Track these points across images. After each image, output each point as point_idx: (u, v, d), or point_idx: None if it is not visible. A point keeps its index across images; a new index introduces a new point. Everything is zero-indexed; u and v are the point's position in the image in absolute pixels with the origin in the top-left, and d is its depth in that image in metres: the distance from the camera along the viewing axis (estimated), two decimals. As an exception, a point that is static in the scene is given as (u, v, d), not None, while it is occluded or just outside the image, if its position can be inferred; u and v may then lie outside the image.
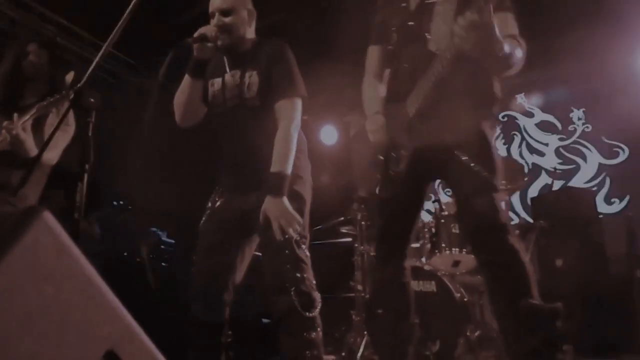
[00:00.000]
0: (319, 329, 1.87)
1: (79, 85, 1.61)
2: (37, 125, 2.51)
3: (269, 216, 1.85)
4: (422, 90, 1.67)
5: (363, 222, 3.43)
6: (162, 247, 4.07)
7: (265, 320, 3.70)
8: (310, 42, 5.17)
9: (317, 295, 1.89)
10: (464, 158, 1.62)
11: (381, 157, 1.84)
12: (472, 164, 1.60)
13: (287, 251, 1.85)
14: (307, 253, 1.95)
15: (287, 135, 1.94)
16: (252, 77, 2.02)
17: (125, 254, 4.02)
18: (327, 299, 4.26)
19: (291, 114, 1.96)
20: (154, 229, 4.23)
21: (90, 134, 1.60)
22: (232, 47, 2.04)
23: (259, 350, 3.60)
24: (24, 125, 2.39)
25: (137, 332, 0.63)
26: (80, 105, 1.61)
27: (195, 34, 1.94)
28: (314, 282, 1.92)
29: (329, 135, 5.94)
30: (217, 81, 2.09)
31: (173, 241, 4.20)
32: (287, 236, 1.84)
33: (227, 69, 2.09)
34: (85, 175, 1.55)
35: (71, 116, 2.54)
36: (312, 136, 6.21)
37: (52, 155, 2.52)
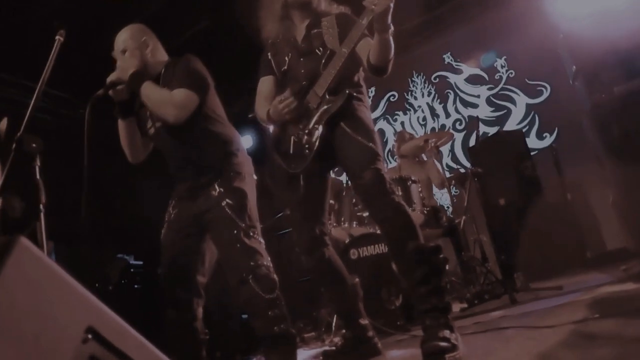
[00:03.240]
0: (282, 305, 2.05)
1: (18, 134, 1.75)
2: None
3: None
4: (330, 74, 1.93)
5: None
6: (132, 270, 4.16)
7: (244, 316, 3.90)
8: (245, 37, 5.36)
9: (274, 277, 2.07)
10: (352, 134, 1.90)
11: (293, 136, 2.04)
12: (357, 137, 1.89)
13: (237, 245, 2.03)
14: (260, 240, 2.13)
15: (169, 95, 2.07)
16: None
17: (96, 285, 4.11)
18: (302, 282, 4.51)
19: (182, 94, 2.06)
20: (120, 255, 4.33)
21: (38, 177, 1.76)
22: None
23: (243, 346, 3.80)
24: None
25: (110, 312, 0.84)
26: (23, 152, 1.76)
27: (104, 86, 2.12)
28: (270, 265, 2.10)
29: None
30: (143, 109, 2.26)
31: (141, 262, 4.30)
32: (234, 231, 2.03)
33: None
34: (42, 215, 1.72)
35: None
36: (261, 132, 6.42)
37: None
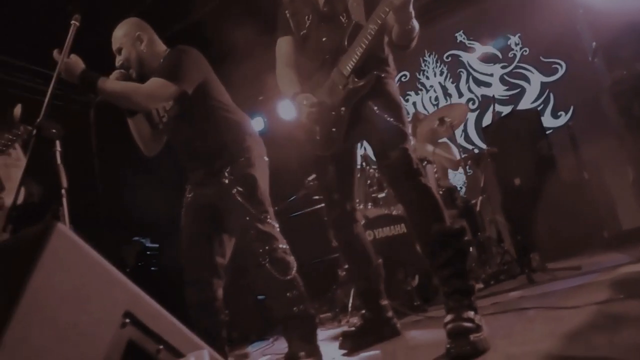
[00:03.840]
0: (300, 286, 2.07)
1: (38, 120, 1.76)
2: None
3: None
4: (355, 52, 1.87)
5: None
6: (148, 252, 4.22)
7: (260, 297, 3.94)
8: (257, 20, 5.31)
9: (291, 259, 2.09)
10: (379, 112, 1.85)
11: (318, 124, 1.99)
12: (384, 115, 1.84)
13: (252, 231, 2.06)
14: (274, 223, 2.14)
15: (127, 83, 2.08)
16: None
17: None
18: (316, 263, 4.54)
19: (152, 83, 2.04)
20: (136, 238, 4.39)
21: (59, 162, 1.77)
22: (143, 74, 2.20)
23: (259, 325, 3.85)
24: None
25: (145, 297, 0.85)
26: (43, 138, 1.76)
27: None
28: (286, 247, 2.12)
29: (286, 111, 6.10)
30: None
31: (157, 245, 4.35)
32: (247, 218, 2.05)
33: None
34: (64, 200, 1.73)
35: (20, 151, 2.50)
36: (272, 113, 6.39)
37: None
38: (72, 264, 0.70)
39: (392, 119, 1.83)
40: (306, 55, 2.08)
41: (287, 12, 2.12)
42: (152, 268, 4.16)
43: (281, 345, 2.97)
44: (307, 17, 2.04)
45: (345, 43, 1.90)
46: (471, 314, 1.56)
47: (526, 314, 1.90)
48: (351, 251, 2.19)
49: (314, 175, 3.93)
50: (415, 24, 1.79)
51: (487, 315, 1.96)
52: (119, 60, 2.22)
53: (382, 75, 1.94)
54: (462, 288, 1.63)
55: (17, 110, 2.85)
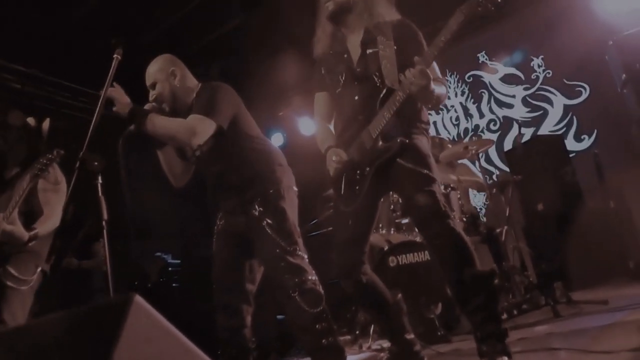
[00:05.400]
0: (329, 319, 2.10)
1: (81, 153, 1.81)
2: (29, 191, 2.46)
3: None
4: (384, 117, 1.90)
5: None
6: (170, 268, 4.28)
7: (280, 317, 3.96)
8: (277, 36, 5.38)
9: (319, 291, 2.12)
10: (407, 164, 1.87)
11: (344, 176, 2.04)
12: (411, 166, 1.86)
13: (282, 263, 2.09)
14: (304, 255, 2.17)
15: (182, 121, 2.13)
16: None
17: (135, 282, 4.23)
18: (334, 284, 4.53)
19: (194, 120, 2.12)
20: (158, 254, 4.44)
21: (100, 195, 1.82)
22: (176, 108, 2.28)
23: (278, 345, 3.86)
24: (6, 216, 2.35)
25: None
26: (86, 170, 1.81)
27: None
28: (315, 278, 2.14)
29: (307, 126, 6.15)
30: None
31: (179, 261, 4.41)
32: (277, 251, 2.08)
33: None
34: (104, 231, 1.78)
35: (58, 172, 2.58)
36: (292, 129, 6.44)
37: (53, 224, 2.52)
38: (150, 336, 0.72)
39: (418, 167, 1.86)
40: (340, 112, 2.12)
41: (322, 68, 2.18)
42: (174, 284, 4.21)
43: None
44: (341, 75, 2.08)
45: (377, 106, 1.94)
46: (505, 359, 1.57)
47: (557, 355, 1.89)
48: (365, 299, 2.16)
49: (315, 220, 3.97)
50: (440, 92, 1.84)
51: (516, 353, 1.95)
52: (152, 95, 2.29)
53: (410, 134, 1.95)
54: (495, 332, 1.64)
55: (46, 124, 2.92)
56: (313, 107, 2.25)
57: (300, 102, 6.06)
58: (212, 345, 2.34)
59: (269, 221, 2.14)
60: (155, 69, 2.31)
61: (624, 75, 2.89)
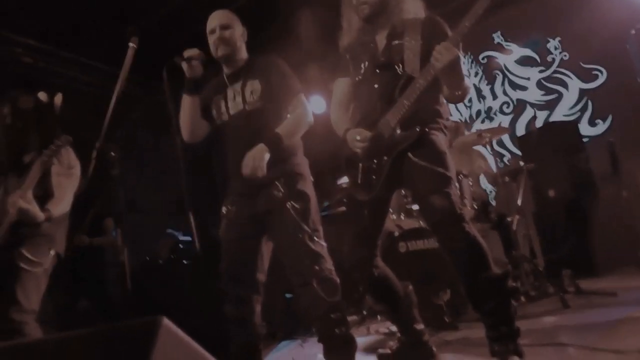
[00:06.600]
0: (343, 309, 2.11)
1: (98, 144, 1.81)
2: (43, 175, 2.45)
3: (247, 154, 2.07)
4: (403, 105, 1.87)
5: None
6: (181, 246, 4.29)
7: (288, 295, 4.00)
8: (289, 15, 5.28)
9: (337, 280, 2.11)
10: (421, 162, 1.85)
11: (362, 164, 2.01)
12: (426, 164, 1.83)
13: (302, 249, 2.07)
14: (323, 243, 2.16)
15: (298, 117, 2.19)
16: (254, 85, 2.24)
17: (147, 258, 4.27)
18: (343, 264, 4.55)
19: (302, 105, 2.21)
20: (169, 230, 4.46)
21: (116, 186, 1.83)
22: (230, 58, 2.27)
23: (287, 323, 3.92)
24: (23, 195, 2.36)
25: None
26: (102, 160, 1.82)
27: (181, 57, 2.15)
28: (333, 268, 2.13)
29: (317, 104, 6.09)
30: (220, 96, 2.32)
31: (190, 238, 4.41)
32: (300, 235, 2.06)
33: (228, 84, 2.31)
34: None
35: (72, 157, 2.55)
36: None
37: (63, 208, 2.52)
38: (178, 358, 0.74)
39: (433, 165, 1.83)
40: (359, 100, 2.09)
41: (347, 55, 2.15)
42: (184, 261, 4.24)
43: (312, 350, 3.04)
44: (363, 63, 2.06)
45: (396, 94, 1.91)
46: (516, 359, 1.59)
47: (566, 351, 1.92)
48: (376, 292, 2.17)
49: (345, 178, 3.94)
50: (467, 85, 1.81)
51: (524, 347, 1.96)
52: (222, 34, 2.24)
53: (429, 128, 1.93)
54: (508, 333, 1.65)
55: (58, 99, 2.90)
56: (322, 85, 2.25)
57: (311, 80, 5.99)
58: (223, 328, 2.36)
59: (294, 204, 2.11)
60: (234, 18, 2.31)
61: (645, 65, 2.82)
